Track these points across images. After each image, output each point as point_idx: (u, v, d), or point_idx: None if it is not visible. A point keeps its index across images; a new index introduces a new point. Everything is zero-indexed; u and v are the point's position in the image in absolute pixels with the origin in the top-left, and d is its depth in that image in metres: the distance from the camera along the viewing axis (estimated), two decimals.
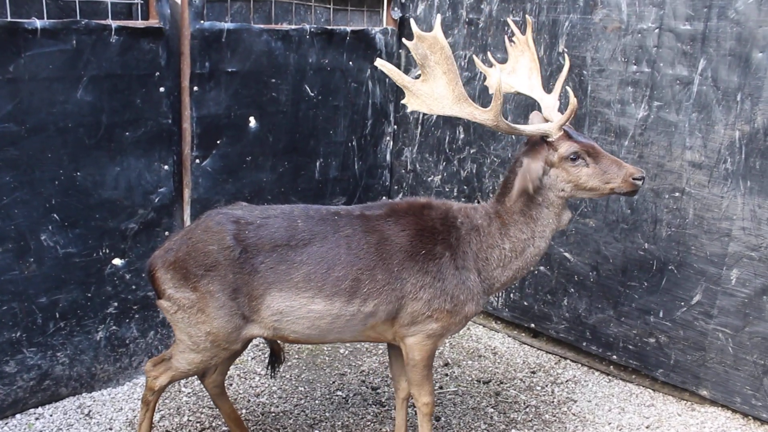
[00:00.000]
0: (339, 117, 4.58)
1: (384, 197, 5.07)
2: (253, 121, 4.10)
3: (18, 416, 3.54)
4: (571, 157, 2.80)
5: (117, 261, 3.71)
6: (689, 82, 3.61)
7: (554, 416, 3.81)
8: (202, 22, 3.72)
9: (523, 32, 3.14)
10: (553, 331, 4.46)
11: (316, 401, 3.86)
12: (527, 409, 3.87)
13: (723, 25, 3.45)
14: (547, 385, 4.13)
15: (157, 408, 3.57)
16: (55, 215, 3.43)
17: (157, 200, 3.78)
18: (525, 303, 4.57)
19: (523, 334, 4.70)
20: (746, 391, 3.67)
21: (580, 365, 4.36)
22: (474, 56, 3.31)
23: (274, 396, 3.89)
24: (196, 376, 3.52)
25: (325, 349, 4.42)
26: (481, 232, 2.92)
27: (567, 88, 2.97)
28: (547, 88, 3.13)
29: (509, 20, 3.25)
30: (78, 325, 3.64)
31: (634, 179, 2.81)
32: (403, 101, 2.73)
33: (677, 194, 3.75)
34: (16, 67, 3.15)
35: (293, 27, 4.17)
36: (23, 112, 3.22)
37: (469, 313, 2.90)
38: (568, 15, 4.00)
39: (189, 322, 2.79)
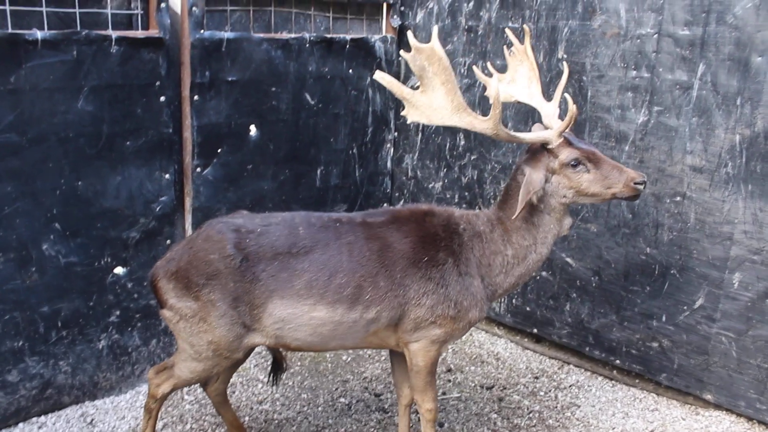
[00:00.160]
0: (339, 125, 4.59)
1: (385, 204, 5.07)
2: (253, 130, 4.11)
3: (21, 425, 3.54)
4: (572, 163, 2.80)
5: (119, 270, 3.71)
6: (689, 87, 3.62)
7: (558, 421, 3.81)
8: (202, 31, 3.73)
9: (522, 41, 3.15)
10: (556, 336, 4.45)
11: (319, 408, 3.86)
12: (531, 415, 3.86)
13: (722, 30, 3.45)
14: (550, 391, 4.12)
15: (159, 416, 3.56)
16: (56, 225, 3.44)
17: (158, 209, 3.79)
18: (527, 308, 4.57)
19: (526, 340, 4.69)
20: (750, 395, 3.66)
21: (583, 370, 4.36)
22: (474, 66, 3.32)
23: (277, 403, 3.89)
24: (198, 384, 3.52)
25: (328, 356, 4.42)
26: (484, 239, 2.92)
27: (566, 95, 2.98)
28: (547, 95, 3.14)
29: (508, 30, 3.26)
30: (80, 333, 3.65)
31: (635, 184, 2.81)
32: (402, 113, 2.74)
33: (678, 198, 3.75)
34: (17, 78, 3.16)
35: (293, 36, 4.18)
36: (24, 123, 3.23)
37: (472, 319, 2.90)
38: (567, 21, 4.01)
39: (191, 331, 2.79)
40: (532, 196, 2.76)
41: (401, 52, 2.67)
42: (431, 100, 2.67)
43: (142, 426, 3.14)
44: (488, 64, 3.32)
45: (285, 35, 4.17)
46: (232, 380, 3.87)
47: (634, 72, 3.80)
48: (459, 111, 2.68)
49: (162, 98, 3.67)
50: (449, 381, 4.19)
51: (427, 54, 2.57)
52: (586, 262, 4.19)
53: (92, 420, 3.64)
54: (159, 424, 3.58)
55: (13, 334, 3.41)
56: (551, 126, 2.96)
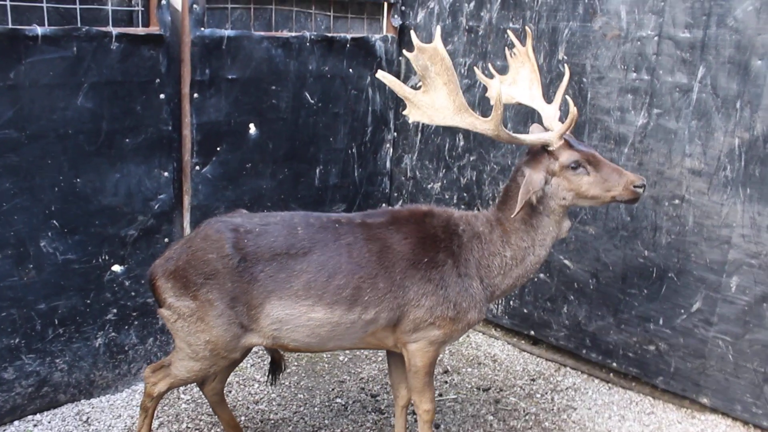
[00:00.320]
0: (339, 124, 4.58)
1: (384, 204, 5.07)
2: (253, 128, 4.11)
3: (16, 423, 3.53)
4: (572, 165, 2.80)
5: (116, 267, 3.70)
6: (689, 90, 3.62)
7: (554, 424, 3.81)
8: (202, 29, 3.72)
9: (523, 43, 3.16)
10: (553, 339, 4.45)
11: (316, 408, 3.85)
12: (527, 417, 3.86)
13: (722, 33, 3.46)
14: (546, 393, 4.12)
15: (156, 415, 3.56)
16: (54, 222, 3.42)
17: (156, 207, 3.78)
18: (525, 310, 4.57)
19: (523, 342, 4.69)
20: (747, 399, 3.66)
21: (579, 373, 4.36)
22: (475, 68, 3.32)
23: (273, 403, 3.88)
24: (195, 383, 3.51)
25: (325, 356, 4.42)
26: (483, 240, 2.92)
27: (567, 97, 2.98)
28: (547, 96, 3.14)
29: (509, 32, 3.26)
30: (77, 331, 3.64)
31: (635, 187, 2.81)
32: (404, 112, 2.74)
33: (677, 201, 3.76)
34: (17, 73, 3.15)
35: (293, 34, 4.17)
36: (24, 119, 3.22)
37: (471, 321, 2.90)
38: (568, 23, 4.01)
39: (189, 330, 2.78)
40: (531, 195, 2.76)
41: (404, 51, 2.67)
42: (433, 100, 2.67)
43: (138, 424, 3.13)
44: (489, 65, 3.32)
45: (285, 34, 4.16)
46: (228, 380, 3.86)
47: (634, 74, 3.80)
48: (461, 111, 2.69)
49: (162, 96, 3.66)
50: (446, 382, 4.18)
51: (430, 54, 2.57)
52: (584, 265, 4.19)
53: (88, 418, 3.63)
54: (155, 423, 3.57)
55: (10, 331, 3.39)
56: (551, 128, 2.96)
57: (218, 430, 3.56)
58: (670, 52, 3.65)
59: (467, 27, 4.51)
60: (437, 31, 2.57)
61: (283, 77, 4.17)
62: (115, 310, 3.75)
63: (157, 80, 3.62)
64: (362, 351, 4.47)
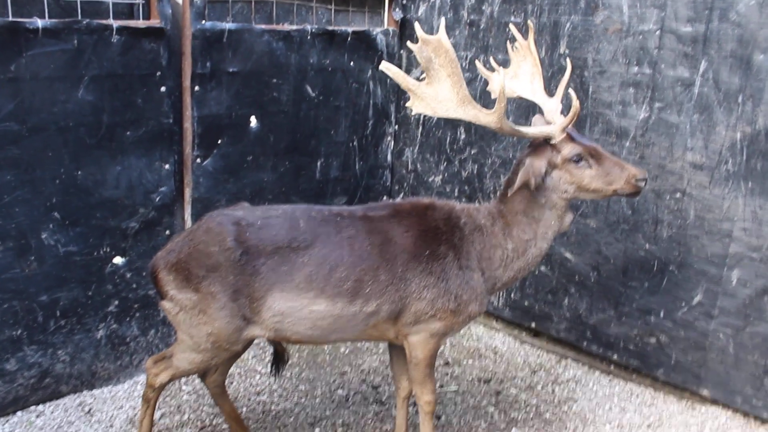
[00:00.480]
0: (340, 117, 4.58)
1: (385, 197, 5.07)
2: (254, 121, 4.10)
3: (19, 414, 3.54)
4: (574, 158, 2.80)
5: (118, 260, 3.71)
6: (690, 84, 3.61)
7: (555, 415, 3.82)
8: (203, 22, 3.72)
9: (525, 37, 3.15)
10: (554, 331, 4.47)
11: (317, 400, 3.87)
12: (528, 408, 3.87)
13: (724, 27, 3.45)
14: (547, 385, 4.14)
15: (157, 406, 3.57)
16: (56, 214, 3.43)
17: (158, 199, 3.78)
18: (526, 303, 4.58)
19: (524, 334, 4.71)
20: (747, 391, 3.68)
21: (580, 365, 4.37)
22: (476, 61, 3.32)
23: (275, 394, 3.90)
24: (196, 375, 3.53)
25: (326, 348, 4.43)
26: (485, 232, 2.93)
27: (570, 90, 2.97)
28: (549, 90, 3.13)
29: (512, 26, 3.25)
30: (79, 323, 3.65)
31: (636, 180, 2.81)
32: (407, 104, 2.74)
33: (678, 195, 3.76)
34: (18, 66, 3.14)
35: (294, 27, 4.16)
36: (24, 112, 3.21)
37: (472, 313, 2.91)
38: (570, 16, 4.00)
39: (191, 323, 2.79)
40: (531, 179, 2.76)
41: (408, 43, 2.67)
42: (437, 92, 2.67)
43: (139, 415, 3.15)
44: (491, 59, 3.31)
45: (286, 27, 4.15)
46: (230, 371, 3.87)
47: (636, 68, 3.79)
48: (464, 103, 2.68)
49: (162, 88, 3.65)
50: (447, 374, 4.20)
51: (434, 46, 2.57)
52: (585, 257, 4.20)
53: (90, 409, 3.65)
54: (157, 414, 3.58)
55: (12, 323, 3.41)
56: (554, 121, 2.95)
57: (220, 421, 3.58)
58: (672, 46, 3.65)
59: (468, 21, 4.50)
60: (441, 23, 2.56)
61: (284, 70, 4.16)
62: (116, 302, 3.76)
63: (158, 73, 3.62)
64: (363, 342, 4.49)
